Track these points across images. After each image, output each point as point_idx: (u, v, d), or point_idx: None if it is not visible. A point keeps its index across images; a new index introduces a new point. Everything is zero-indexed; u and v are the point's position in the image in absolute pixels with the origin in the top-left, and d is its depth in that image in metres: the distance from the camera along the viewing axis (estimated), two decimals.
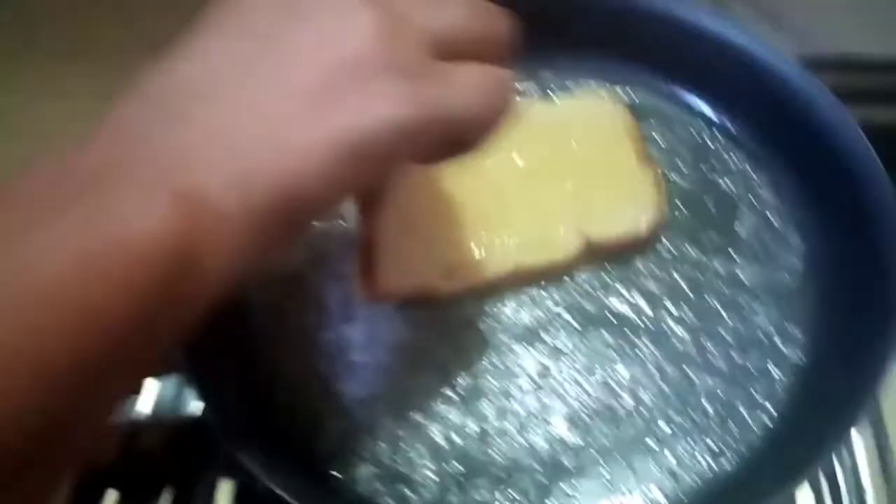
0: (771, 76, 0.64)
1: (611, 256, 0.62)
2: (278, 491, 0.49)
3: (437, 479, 0.55)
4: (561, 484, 0.54)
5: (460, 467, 0.55)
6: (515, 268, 0.61)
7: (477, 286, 0.61)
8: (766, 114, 0.65)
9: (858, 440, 0.62)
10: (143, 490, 0.64)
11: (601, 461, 0.55)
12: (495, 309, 0.61)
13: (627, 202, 0.62)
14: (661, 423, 0.56)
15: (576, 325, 0.60)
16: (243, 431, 0.52)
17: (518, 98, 0.69)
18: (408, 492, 0.55)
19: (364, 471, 0.55)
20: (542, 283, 0.62)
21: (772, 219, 0.64)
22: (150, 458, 0.65)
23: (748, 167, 0.66)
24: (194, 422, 0.66)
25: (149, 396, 0.67)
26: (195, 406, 0.66)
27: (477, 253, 0.61)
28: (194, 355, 0.52)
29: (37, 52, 0.93)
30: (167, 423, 0.66)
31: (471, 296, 0.61)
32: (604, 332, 0.60)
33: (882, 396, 0.63)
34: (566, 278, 0.62)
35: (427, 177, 0.64)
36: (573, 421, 0.56)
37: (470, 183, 0.64)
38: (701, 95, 0.70)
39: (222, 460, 0.63)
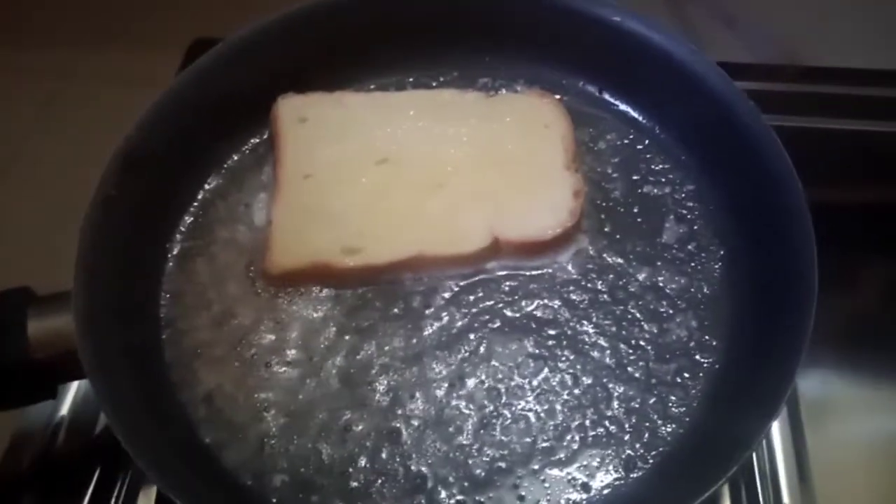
0: (695, 83, 0.63)
1: (526, 258, 0.62)
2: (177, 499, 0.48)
3: (350, 489, 0.54)
4: (474, 494, 0.54)
5: (373, 478, 0.55)
6: (418, 255, 0.61)
7: (376, 267, 0.61)
8: (691, 121, 0.65)
9: (777, 442, 0.62)
10: (62, 496, 0.63)
11: (514, 471, 0.54)
12: (417, 309, 0.61)
13: (542, 206, 0.62)
14: (575, 434, 0.56)
15: (495, 331, 0.60)
16: (149, 442, 0.52)
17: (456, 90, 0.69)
18: (317, 500, 0.54)
19: (277, 479, 0.55)
20: (463, 283, 0.61)
21: (696, 227, 0.64)
22: (69, 463, 0.64)
23: (675, 175, 0.66)
24: None
25: (65, 401, 0.65)
26: None
27: (381, 235, 0.61)
28: (96, 368, 0.52)
29: None
30: (85, 428, 0.65)
31: (370, 278, 0.61)
32: (523, 339, 0.59)
33: (800, 403, 0.64)
34: (488, 282, 0.61)
35: (342, 160, 0.65)
36: (487, 430, 0.56)
37: (391, 169, 0.64)
38: (632, 103, 0.70)
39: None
